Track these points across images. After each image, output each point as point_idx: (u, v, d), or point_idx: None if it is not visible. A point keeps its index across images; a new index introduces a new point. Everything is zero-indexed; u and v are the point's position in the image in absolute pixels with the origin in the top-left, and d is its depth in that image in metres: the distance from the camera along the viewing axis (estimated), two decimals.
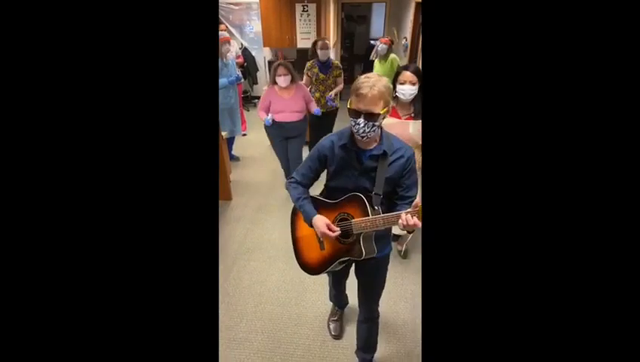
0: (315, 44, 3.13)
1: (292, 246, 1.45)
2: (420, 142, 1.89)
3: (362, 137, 1.14)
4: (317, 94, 3.18)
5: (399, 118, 1.97)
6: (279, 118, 2.83)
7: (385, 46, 3.42)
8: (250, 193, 3.28)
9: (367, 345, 1.64)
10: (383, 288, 1.50)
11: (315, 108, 2.89)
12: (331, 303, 1.97)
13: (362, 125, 1.10)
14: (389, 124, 1.92)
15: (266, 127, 2.91)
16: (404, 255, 2.44)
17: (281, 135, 2.94)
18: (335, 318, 1.93)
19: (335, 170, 1.26)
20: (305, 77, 3.18)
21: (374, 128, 1.13)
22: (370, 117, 1.09)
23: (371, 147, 1.20)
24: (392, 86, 1.10)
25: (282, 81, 2.70)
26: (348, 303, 1.96)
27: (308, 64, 3.20)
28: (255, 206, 3.07)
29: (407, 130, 1.91)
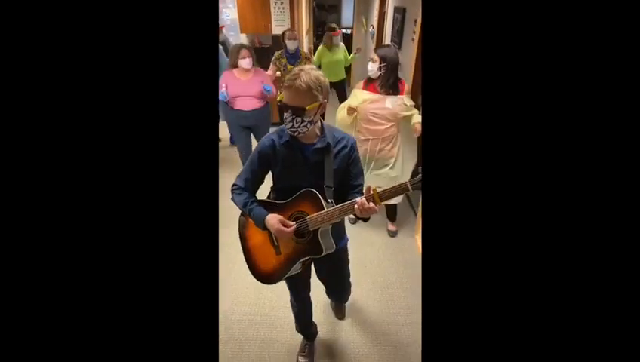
0: (283, 34, 3.16)
1: (245, 259, 1.35)
2: (400, 114, 2.17)
3: (293, 132, 1.11)
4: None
5: (379, 92, 2.19)
6: (237, 104, 2.71)
7: (337, 37, 3.83)
8: (233, 166, 3.57)
9: (341, 299, 1.83)
10: (349, 279, 1.53)
11: (265, 85, 2.70)
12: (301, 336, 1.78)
13: (289, 120, 1.08)
14: (367, 99, 2.18)
15: (227, 118, 2.83)
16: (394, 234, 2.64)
17: (240, 124, 2.80)
18: (304, 353, 1.73)
19: (281, 169, 1.20)
20: (272, 66, 3.17)
21: (304, 124, 1.09)
22: (297, 111, 1.06)
23: (314, 141, 1.17)
24: (325, 80, 1.10)
25: (246, 63, 2.62)
26: (317, 333, 1.79)
27: (276, 54, 3.19)
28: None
29: (384, 104, 2.16)
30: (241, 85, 2.67)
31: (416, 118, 2.15)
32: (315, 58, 3.88)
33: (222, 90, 2.65)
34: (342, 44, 3.97)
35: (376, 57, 2.12)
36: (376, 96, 2.18)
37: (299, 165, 1.18)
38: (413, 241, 2.58)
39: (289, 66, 3.16)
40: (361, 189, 1.22)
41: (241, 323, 1.93)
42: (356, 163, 1.23)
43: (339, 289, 1.59)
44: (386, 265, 2.35)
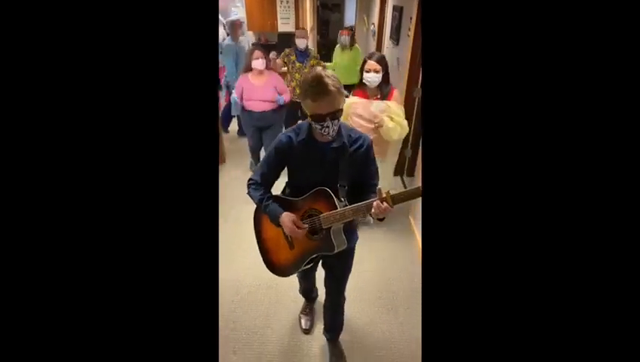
0: (294, 33, 3.30)
1: (259, 252, 1.42)
2: (379, 116, 2.20)
3: (331, 136, 1.14)
4: (293, 83, 3.28)
5: (367, 98, 2.25)
6: (249, 105, 2.84)
7: (347, 37, 3.80)
8: (241, 157, 3.80)
9: (334, 327, 1.72)
10: (349, 275, 1.53)
11: (278, 97, 2.85)
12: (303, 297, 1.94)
13: (328, 126, 1.09)
14: (355, 102, 2.25)
15: (239, 117, 3.05)
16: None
17: (252, 124, 2.96)
18: (306, 312, 1.92)
19: (297, 167, 1.24)
20: (279, 60, 3.29)
21: (338, 123, 1.14)
22: (335, 115, 1.08)
23: (331, 140, 1.18)
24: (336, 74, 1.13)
25: (258, 64, 2.73)
26: (317, 296, 1.96)
27: (286, 50, 3.32)
28: (246, 166, 3.60)
29: (370, 107, 2.21)
30: (255, 90, 2.81)
31: (390, 123, 2.19)
32: (334, 58, 3.95)
33: (235, 94, 2.84)
34: (358, 46, 3.95)
35: (378, 67, 2.13)
36: (362, 100, 2.24)
37: (314, 163, 1.20)
38: (406, 219, 2.80)
39: (298, 64, 3.26)
40: (376, 188, 1.23)
41: (250, 288, 2.16)
42: (372, 162, 1.25)
43: (337, 291, 1.58)
44: (381, 238, 2.58)
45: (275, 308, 2.03)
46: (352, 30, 4.04)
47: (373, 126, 2.23)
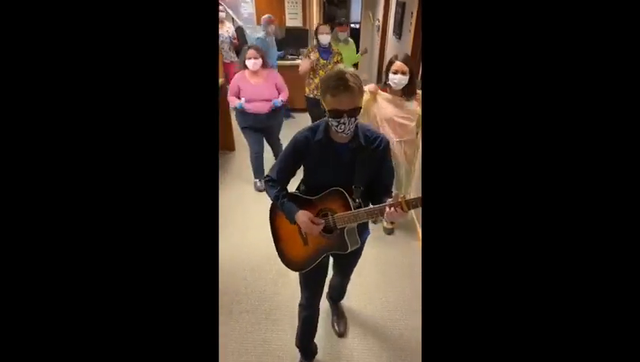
0: (316, 29, 3.17)
1: (274, 245, 1.42)
2: (418, 110, 2.17)
3: (347, 134, 1.13)
4: (316, 80, 3.16)
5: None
6: (250, 107, 2.69)
7: (344, 33, 3.79)
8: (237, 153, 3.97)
9: (338, 297, 1.89)
10: (357, 263, 1.57)
11: (275, 100, 2.72)
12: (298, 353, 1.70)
13: (345, 123, 1.08)
14: (387, 100, 2.17)
15: (236, 115, 2.83)
16: (390, 232, 2.66)
17: (248, 125, 2.82)
18: None
19: (313, 166, 1.24)
20: (306, 59, 3.10)
21: (356, 122, 1.12)
22: (353, 113, 1.08)
23: (347, 140, 1.18)
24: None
25: (252, 64, 2.60)
26: (317, 353, 1.74)
27: (308, 48, 3.21)
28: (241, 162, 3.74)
29: (406, 106, 2.16)
30: (254, 89, 2.65)
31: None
32: None
33: (238, 101, 2.64)
34: (351, 40, 3.98)
35: (405, 68, 2.06)
36: (398, 99, 2.18)
37: (330, 164, 1.20)
38: None
39: (322, 60, 3.12)
40: (391, 188, 1.25)
41: (260, 259, 2.37)
42: (388, 162, 1.25)
43: (344, 276, 1.66)
44: (380, 227, 2.77)
45: (282, 276, 2.23)
46: (347, 25, 3.98)
47: (414, 124, 2.22)
